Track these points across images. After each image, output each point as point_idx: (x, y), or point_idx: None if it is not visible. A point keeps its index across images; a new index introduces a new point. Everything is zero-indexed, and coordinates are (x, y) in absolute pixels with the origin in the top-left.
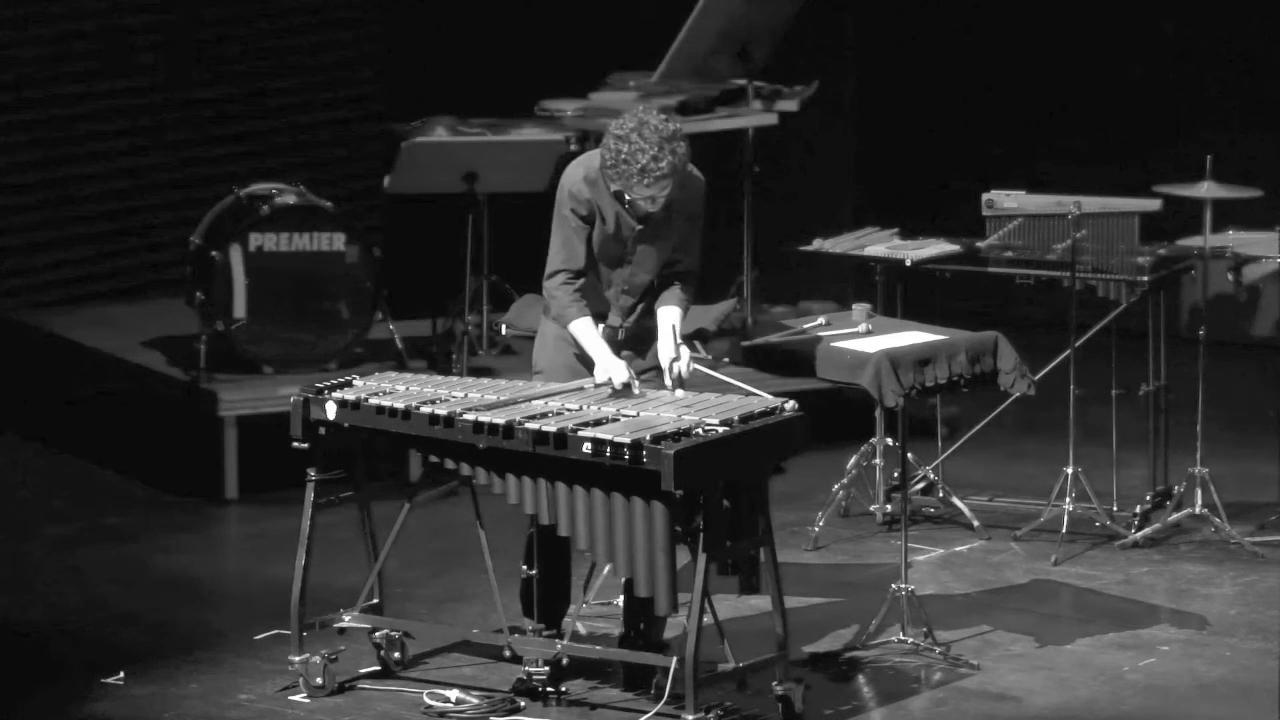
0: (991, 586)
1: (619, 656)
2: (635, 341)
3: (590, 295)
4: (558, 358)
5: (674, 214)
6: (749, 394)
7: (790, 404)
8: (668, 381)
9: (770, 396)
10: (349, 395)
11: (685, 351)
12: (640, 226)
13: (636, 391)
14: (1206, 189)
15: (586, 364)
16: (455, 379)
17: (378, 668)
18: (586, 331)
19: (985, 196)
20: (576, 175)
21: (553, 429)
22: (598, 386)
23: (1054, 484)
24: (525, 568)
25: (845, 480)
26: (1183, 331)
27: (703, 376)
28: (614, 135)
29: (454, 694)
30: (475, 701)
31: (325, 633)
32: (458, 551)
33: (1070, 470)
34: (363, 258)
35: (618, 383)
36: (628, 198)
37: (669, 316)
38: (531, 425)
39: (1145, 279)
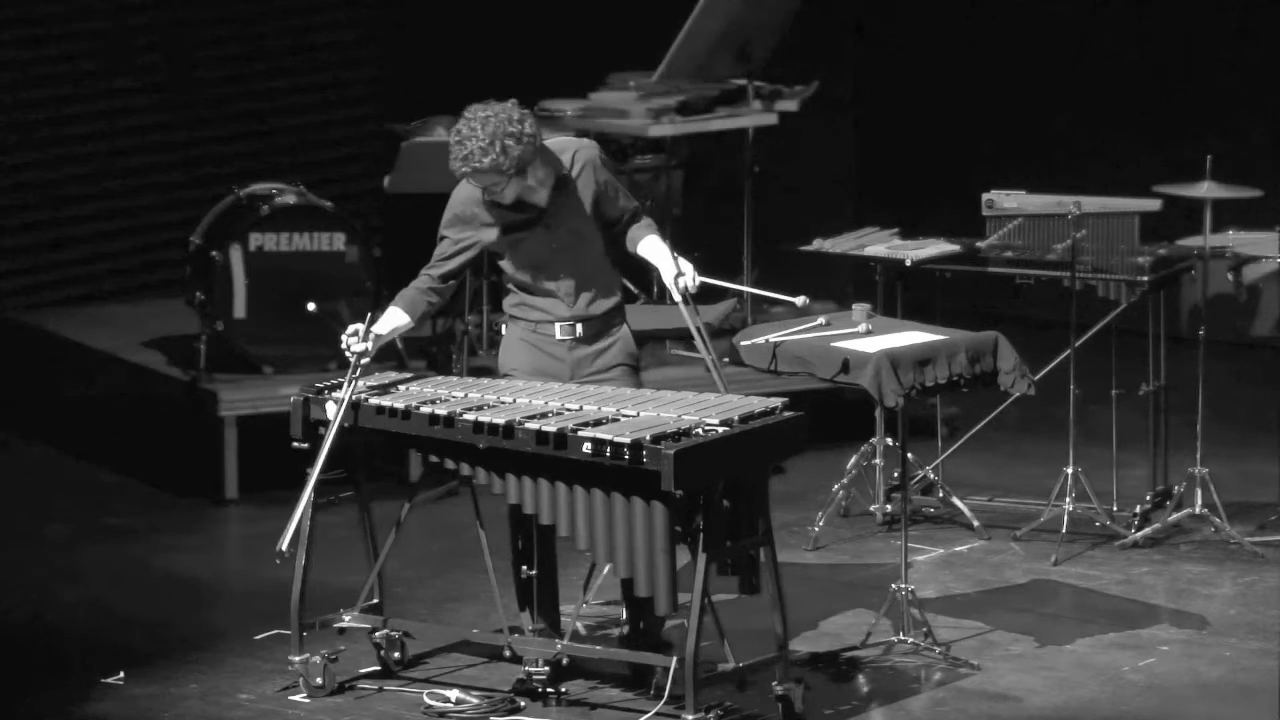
0: (991, 586)
1: (619, 656)
2: (595, 335)
3: (538, 302)
4: (525, 360)
5: (573, 192)
6: (766, 296)
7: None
8: (676, 298)
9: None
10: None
11: (687, 265)
12: (534, 220)
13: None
14: (1206, 189)
15: (553, 363)
16: (455, 379)
17: (378, 668)
18: (387, 316)
19: (985, 196)
20: (461, 195)
21: (553, 429)
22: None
23: (1054, 484)
24: (525, 568)
25: (845, 480)
26: (1183, 331)
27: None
28: (464, 116)
29: (454, 694)
30: (475, 701)
31: (325, 633)
32: (458, 551)
33: (1070, 470)
34: (363, 258)
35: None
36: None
37: (652, 244)
38: (531, 425)
39: (1145, 279)
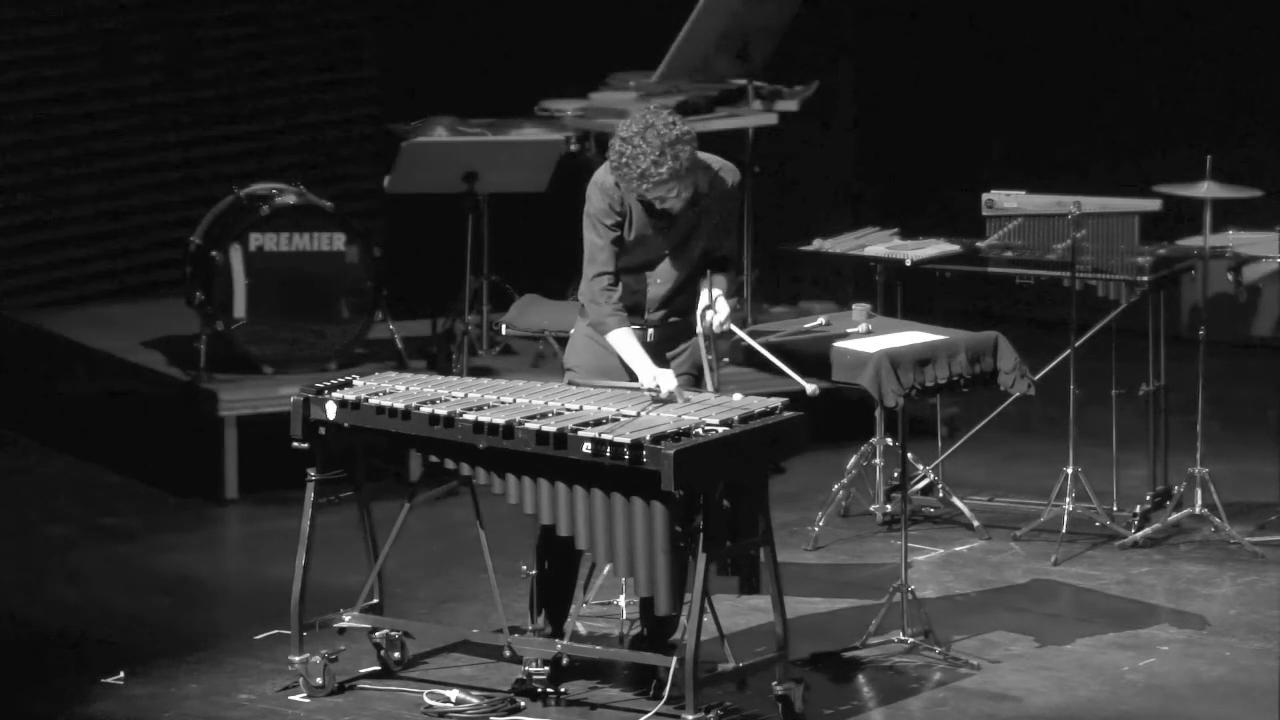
0: (991, 586)
1: (619, 656)
2: (666, 342)
3: (624, 295)
4: (589, 358)
5: (704, 211)
6: (782, 371)
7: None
8: (698, 328)
9: (803, 381)
10: (349, 395)
11: (723, 305)
12: (664, 226)
13: (681, 401)
14: (1206, 189)
15: (618, 363)
16: (455, 379)
17: (378, 668)
18: (626, 341)
19: (985, 196)
20: (609, 180)
21: (553, 429)
22: (646, 390)
23: (1054, 484)
24: (524, 567)
25: (845, 480)
26: (1183, 331)
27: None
28: (620, 137)
29: (454, 694)
30: (475, 701)
31: (325, 633)
32: (458, 551)
33: (1070, 470)
34: (363, 258)
35: (665, 390)
36: (649, 198)
37: (713, 280)
38: (531, 425)
39: (1145, 279)
